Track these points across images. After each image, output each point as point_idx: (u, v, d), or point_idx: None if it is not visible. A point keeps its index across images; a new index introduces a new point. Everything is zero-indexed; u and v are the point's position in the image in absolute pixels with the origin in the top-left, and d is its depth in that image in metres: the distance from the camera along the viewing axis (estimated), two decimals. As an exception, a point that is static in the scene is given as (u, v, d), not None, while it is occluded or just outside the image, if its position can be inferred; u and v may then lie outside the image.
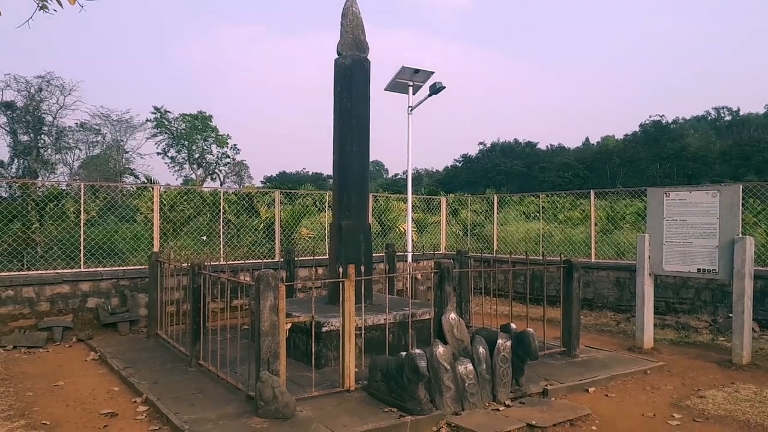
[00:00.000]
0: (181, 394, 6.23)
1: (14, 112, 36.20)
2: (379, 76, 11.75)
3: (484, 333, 6.52)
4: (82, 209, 10.19)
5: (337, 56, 8.46)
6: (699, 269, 8.05)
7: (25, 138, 36.83)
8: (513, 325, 6.59)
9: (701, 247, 8.00)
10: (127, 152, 45.83)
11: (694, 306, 10.51)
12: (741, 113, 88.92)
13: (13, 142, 36.42)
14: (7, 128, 36.28)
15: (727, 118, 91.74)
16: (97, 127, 42.97)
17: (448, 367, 5.74)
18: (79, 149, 41.32)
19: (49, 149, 38.91)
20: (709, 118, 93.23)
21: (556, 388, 6.46)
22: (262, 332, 5.61)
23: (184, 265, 7.92)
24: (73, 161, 41.50)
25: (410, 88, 11.95)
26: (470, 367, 5.91)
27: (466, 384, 5.81)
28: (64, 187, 18.96)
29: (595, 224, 13.04)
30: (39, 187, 17.97)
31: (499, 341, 6.15)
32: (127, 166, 44.69)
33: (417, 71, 11.73)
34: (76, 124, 40.73)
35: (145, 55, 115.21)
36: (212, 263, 9.39)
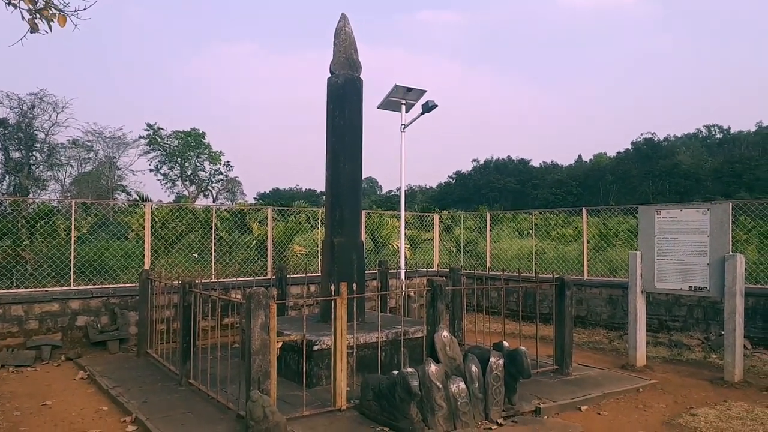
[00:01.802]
0: (171, 413, 6.16)
1: (6, 129, 36.11)
2: (372, 92, 11.82)
3: (476, 351, 6.50)
4: (72, 226, 10.13)
5: (330, 75, 8.51)
6: (690, 287, 8.07)
7: (17, 155, 36.70)
8: (506, 343, 6.57)
9: (692, 265, 8.03)
10: (119, 169, 45.74)
11: (687, 324, 10.52)
12: (732, 131, 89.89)
13: (4, 158, 36.28)
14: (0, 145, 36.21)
15: (718, 136, 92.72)
16: (89, 144, 42.91)
17: (441, 386, 5.70)
18: (71, 166, 41.21)
19: (41, 166, 38.77)
20: (701, 135, 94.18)
21: (549, 406, 6.42)
22: (252, 351, 5.57)
23: (175, 282, 7.87)
24: (64, 178, 41.37)
25: (403, 107, 12.01)
26: (462, 385, 5.87)
27: (459, 403, 5.78)
28: (55, 204, 18.90)
29: (588, 241, 13.08)
30: (30, 204, 17.90)
31: (492, 359, 6.13)
32: (119, 182, 44.54)
33: (410, 90, 11.79)
34: (69, 140, 40.66)
35: (138, 73, 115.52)
36: (203, 281, 9.36)
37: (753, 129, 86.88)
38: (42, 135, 37.73)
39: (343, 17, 8.72)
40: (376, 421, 5.79)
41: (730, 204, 7.93)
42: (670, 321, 10.74)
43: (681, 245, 8.18)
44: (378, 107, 12.04)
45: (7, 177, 36.64)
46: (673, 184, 74.01)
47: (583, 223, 12.89)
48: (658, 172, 77.92)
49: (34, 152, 37.85)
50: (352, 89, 8.41)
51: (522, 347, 6.32)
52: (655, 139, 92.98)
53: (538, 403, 6.44)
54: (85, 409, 6.53)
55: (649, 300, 8.82)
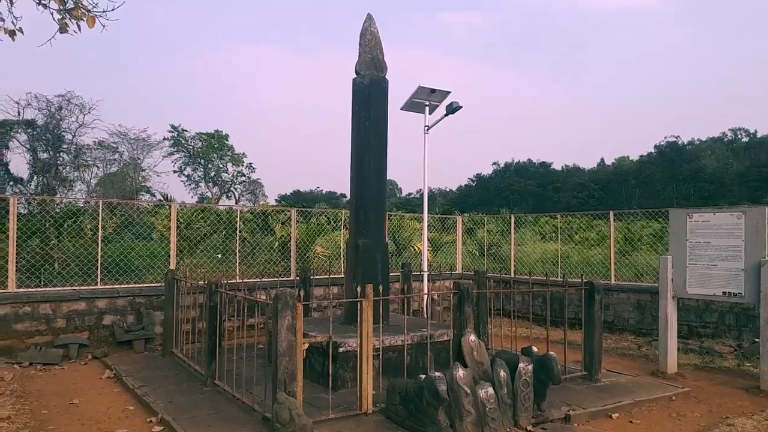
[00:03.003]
0: (196, 414, 6.15)
1: (34, 131, 36.74)
2: (394, 94, 11.74)
3: (504, 356, 6.39)
4: (100, 226, 10.23)
5: (355, 75, 8.47)
6: (724, 292, 7.86)
7: (45, 156, 37.29)
8: (534, 348, 6.46)
9: (726, 270, 7.82)
10: (143, 170, 46.22)
11: (718, 330, 10.26)
12: (758, 135, 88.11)
13: (32, 159, 36.89)
14: (28, 146, 36.79)
15: (744, 139, 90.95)
16: (114, 146, 43.45)
17: (469, 391, 5.61)
18: (97, 167, 41.76)
19: (68, 167, 39.36)
20: (726, 139, 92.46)
21: (579, 413, 6.29)
22: (279, 352, 5.53)
23: (201, 283, 7.89)
24: (90, 179, 41.95)
25: (426, 108, 11.91)
26: (491, 391, 5.77)
27: (487, 408, 5.67)
28: (81, 204, 19.15)
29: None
30: (57, 204, 18.17)
31: (521, 365, 6.02)
32: (143, 183, 45.00)
33: (433, 91, 11.70)
34: (94, 142, 41.23)
35: (162, 75, 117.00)
36: (228, 281, 9.37)
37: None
38: (69, 136, 38.31)
39: (369, 18, 8.68)
40: (403, 425, 5.71)
41: (766, 208, 7.70)
42: (701, 327, 10.49)
43: (714, 250, 7.97)
44: (401, 109, 11.97)
45: (35, 177, 37.26)
46: (697, 189, 72.74)
47: (609, 227, 12.66)
48: (682, 177, 76.67)
49: (61, 153, 38.45)
50: (377, 90, 8.35)
51: (552, 353, 6.20)
52: (679, 143, 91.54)
53: (568, 410, 6.31)
54: (111, 409, 6.55)
55: (679, 306, 8.62)
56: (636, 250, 15.75)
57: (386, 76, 8.54)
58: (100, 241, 10.18)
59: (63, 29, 5.85)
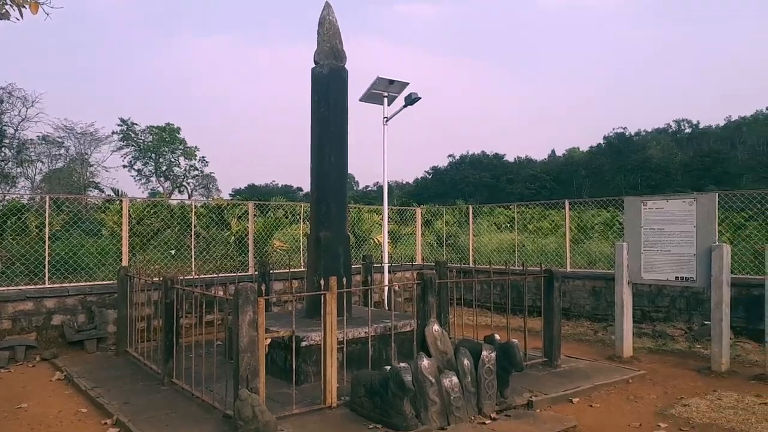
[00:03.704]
0: (154, 414, 5.95)
1: (-27, 125, 34.99)
2: (350, 86, 11.58)
3: (467, 344, 6.40)
4: (47, 223, 9.78)
5: (314, 65, 8.33)
6: (677, 277, 8.10)
7: (-15, 151, 35.60)
8: (497, 336, 6.50)
9: (679, 256, 8.06)
10: (91, 165, 44.62)
11: (670, 314, 10.60)
12: (701, 126, 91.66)
13: (-29, 155, 35.17)
14: (-35, 141, 35.04)
15: (687, 130, 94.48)
16: (60, 140, 41.79)
17: (433, 381, 5.60)
18: (42, 162, 40.08)
19: (10, 162, 37.64)
20: (670, 130, 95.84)
21: (541, 399, 6.37)
22: (240, 348, 5.39)
23: (156, 279, 7.63)
24: (34, 175, 40.23)
25: (385, 99, 11.85)
26: (455, 379, 5.77)
27: (452, 397, 5.67)
28: (26, 201, 18.33)
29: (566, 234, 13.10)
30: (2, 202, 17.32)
31: (484, 353, 6.04)
32: (91, 179, 43.49)
33: (392, 82, 11.64)
34: (39, 137, 39.53)
35: (110, 67, 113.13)
36: (184, 277, 9.11)
37: (722, 123, 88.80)
38: (11, 130, 36.62)
39: (327, 6, 8.53)
40: (369, 417, 5.66)
41: (716, 195, 7.97)
42: (654, 312, 10.81)
43: (667, 236, 8.20)
44: (360, 100, 11.86)
45: (-25, 174, 35.49)
46: (644, 178, 75.23)
47: (561, 217, 12.94)
48: (630, 167, 79.15)
49: (3, 148, 36.73)
50: (337, 79, 8.23)
51: (514, 340, 6.25)
52: (627, 134, 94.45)
53: (530, 396, 6.38)
54: (63, 412, 6.28)
55: (633, 291, 8.85)
56: (588, 238, 16.13)
57: (345, 66, 8.42)
58: (47, 239, 9.74)
59: (4, 16, 5.54)
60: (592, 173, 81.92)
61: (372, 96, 11.82)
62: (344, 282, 6.60)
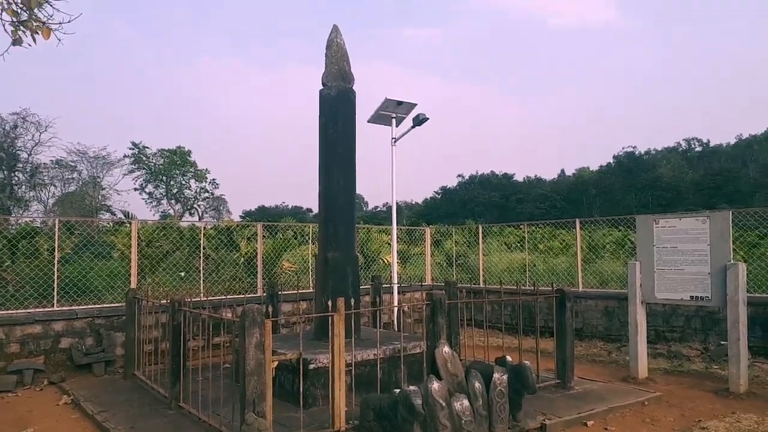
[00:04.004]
0: (160, 439, 5.87)
1: (-13, 149, 35.50)
2: (358, 108, 11.62)
3: (478, 367, 6.29)
4: (56, 246, 9.81)
5: (322, 87, 8.36)
6: (692, 296, 7.95)
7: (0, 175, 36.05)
8: (509, 358, 6.38)
9: (693, 274, 7.92)
10: (103, 189, 45.10)
11: (685, 334, 10.40)
12: (711, 144, 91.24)
13: (-15, 179, 35.62)
14: (-20, 166, 35.52)
15: (698, 149, 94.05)
16: (73, 164, 42.32)
17: (444, 404, 5.48)
18: (54, 186, 40.51)
19: (24, 186, 38.10)
20: (680, 149, 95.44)
21: (555, 422, 6.23)
22: (247, 371, 5.31)
23: (164, 301, 7.58)
24: (48, 198, 40.67)
25: (393, 120, 11.86)
26: (466, 403, 5.66)
27: (463, 421, 5.55)
28: (38, 224, 18.42)
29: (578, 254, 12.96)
30: (12, 225, 17.44)
31: (495, 375, 5.93)
32: (103, 202, 43.85)
33: (400, 103, 11.66)
34: (52, 161, 40.06)
35: (122, 91, 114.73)
36: (192, 299, 9.06)
37: (732, 142, 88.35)
38: (25, 155, 37.12)
39: (335, 29, 8.59)
40: (378, 442, 5.55)
41: (730, 213, 7.85)
42: (668, 331, 10.61)
43: (680, 254, 8.07)
44: (368, 121, 11.89)
45: (-12, 198, 35.89)
46: (655, 197, 74.76)
47: (572, 236, 12.81)
48: (640, 185, 78.74)
49: (16, 172, 37.20)
50: (345, 101, 8.25)
51: (526, 362, 6.13)
52: (636, 153, 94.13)
53: (544, 420, 6.24)
54: (69, 437, 6.21)
55: (646, 310, 8.69)
56: (599, 257, 15.96)
57: (353, 88, 8.45)
58: (56, 262, 9.75)
59: (17, 42, 5.62)
60: (603, 192, 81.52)
61: (380, 117, 11.84)
62: (352, 303, 6.50)
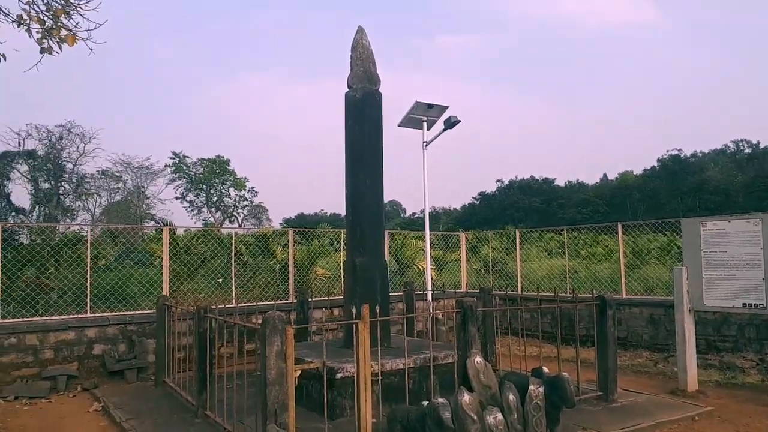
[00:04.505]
0: (184, 449, 5.73)
1: (35, 161, 36.77)
2: (393, 114, 11.36)
3: (513, 378, 5.96)
4: (88, 253, 9.90)
5: (347, 89, 8.18)
6: (744, 304, 7.41)
7: (46, 185, 37.29)
8: (545, 369, 6.03)
9: (745, 280, 7.39)
10: (147, 198, 46.20)
11: (738, 344, 9.77)
12: (761, 146, 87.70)
13: (34, 189, 36.86)
14: (29, 176, 36.80)
15: (747, 150, 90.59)
16: (118, 174, 43.50)
17: (476, 418, 5.18)
18: (100, 195, 41.69)
19: (70, 196, 39.31)
20: (729, 151, 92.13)
21: (596, 438, 5.84)
22: (268, 381, 5.12)
23: (191, 308, 7.50)
24: (94, 208, 41.90)
25: (424, 123, 11.63)
26: (500, 416, 5.34)
27: (496, 436, 5.23)
28: (78, 229, 18.84)
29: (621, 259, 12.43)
30: (59, 233, 17.87)
31: (531, 387, 5.58)
32: (147, 211, 44.95)
33: (431, 106, 11.42)
34: (98, 171, 41.28)
35: (162, 102, 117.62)
36: (224, 306, 8.98)
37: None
38: (70, 165, 38.31)
39: (360, 30, 8.42)
40: (406, 457, 5.28)
41: (786, 213, 7.31)
42: (720, 341, 10.00)
43: (731, 259, 7.55)
44: (399, 125, 11.68)
45: (37, 207, 37.16)
46: (702, 201, 72.24)
47: (615, 242, 12.27)
48: (686, 189, 76.28)
49: (62, 183, 38.41)
50: (371, 103, 8.05)
51: (564, 373, 5.77)
52: (682, 156, 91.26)
53: (584, 435, 5.86)
54: (95, 445, 6.14)
55: (695, 319, 8.17)
56: (645, 263, 15.33)
57: (379, 89, 8.24)
58: (89, 269, 9.83)
59: (44, 50, 5.64)
60: (647, 197, 79.26)
61: (411, 121, 11.61)
62: (379, 310, 6.25)
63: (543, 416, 5.58)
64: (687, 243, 8.16)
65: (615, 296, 11.34)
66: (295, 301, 10.21)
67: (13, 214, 36.17)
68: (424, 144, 11.57)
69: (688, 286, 7.97)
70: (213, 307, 7.12)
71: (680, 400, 7.38)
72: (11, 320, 8.93)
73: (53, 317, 9.31)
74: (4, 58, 5.42)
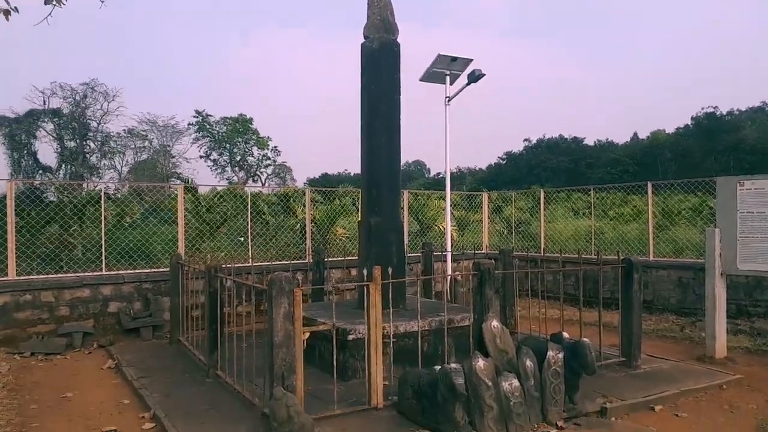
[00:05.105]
0: (192, 409, 5.66)
1: (61, 119, 37.03)
2: (414, 71, 10.87)
3: (531, 343, 5.72)
4: (102, 209, 9.83)
5: (363, 40, 7.77)
6: (781, 268, 6.99)
7: (72, 144, 37.61)
8: (565, 334, 5.77)
9: (784, 243, 6.95)
10: (173, 157, 46.41)
11: (771, 309, 9.35)
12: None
13: (60, 148, 37.25)
14: (55, 135, 37.13)
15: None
16: (144, 133, 43.68)
17: (490, 384, 4.96)
18: (123, 154, 41.96)
19: (95, 154, 39.66)
20: (767, 109, 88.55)
21: (617, 406, 5.58)
22: (275, 343, 4.96)
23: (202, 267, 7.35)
24: (121, 167, 42.30)
25: (447, 78, 11.15)
26: (516, 383, 5.12)
27: (512, 403, 5.03)
28: (111, 192, 18.91)
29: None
30: (84, 191, 17.96)
31: (550, 353, 5.34)
32: (173, 170, 45.21)
33: (454, 59, 10.92)
34: (124, 130, 41.47)
35: (185, 60, 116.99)
36: (240, 264, 8.85)
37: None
38: (95, 124, 38.51)
39: (378, -24, 7.93)
40: (417, 422, 5.11)
41: (832, 171, 6.79)
42: (751, 306, 9.59)
43: (769, 221, 7.10)
44: (420, 79, 11.23)
45: (63, 166, 37.62)
46: (738, 161, 69.88)
47: (648, 200, 11.75)
48: (720, 148, 73.79)
49: (87, 141, 38.70)
50: (388, 54, 7.63)
51: (585, 339, 5.50)
52: (717, 114, 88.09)
53: (604, 402, 5.61)
54: (105, 403, 6.11)
55: (727, 283, 7.78)
56: (674, 224, 14.82)
57: (398, 39, 7.81)
58: (103, 227, 9.78)
59: (49, 1, 5.49)
60: (679, 156, 77.00)
61: (433, 75, 11.15)
62: (391, 272, 6.00)
63: (561, 383, 5.35)
64: (721, 203, 7.71)
65: (642, 258, 10.95)
66: (311, 261, 10.05)
67: (41, 172, 36.71)
68: (447, 99, 11.13)
69: (720, 249, 7.56)
70: (223, 266, 6.95)
71: (707, 367, 7.06)
72: (26, 277, 8.95)
73: (68, 274, 9.32)
74: (17, 11, 5.27)
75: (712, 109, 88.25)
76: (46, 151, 38.20)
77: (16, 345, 8.28)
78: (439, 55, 10.78)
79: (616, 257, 7.26)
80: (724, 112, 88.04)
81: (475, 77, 10.87)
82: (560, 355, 5.38)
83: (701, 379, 6.47)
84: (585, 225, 15.89)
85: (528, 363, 5.29)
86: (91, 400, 6.18)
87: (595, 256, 8.25)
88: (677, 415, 5.52)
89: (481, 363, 5.02)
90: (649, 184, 11.83)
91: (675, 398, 5.93)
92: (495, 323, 5.61)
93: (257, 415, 5.33)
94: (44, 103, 36.39)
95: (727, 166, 69.77)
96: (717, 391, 6.22)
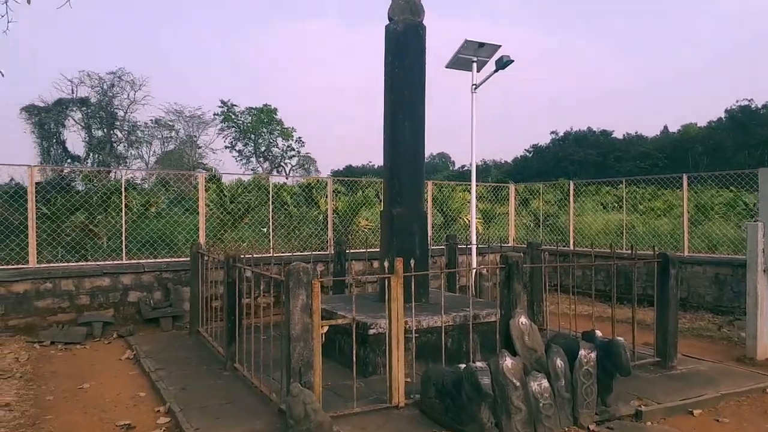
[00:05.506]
0: (209, 403, 5.49)
1: (88, 108, 37.42)
2: (441, 58, 10.54)
3: (561, 341, 5.41)
4: (123, 198, 9.77)
5: (388, 22, 7.49)
6: (831, 265, 6.57)
7: (99, 133, 38.02)
8: (598, 332, 5.45)
9: (834, 238, 6.52)
10: (199, 147, 46.69)
11: (815, 309, 8.86)
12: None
13: (88, 137, 37.68)
14: (83, 123, 37.56)
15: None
16: (171, 123, 44.00)
17: (518, 384, 4.69)
18: (149, 144, 42.31)
19: (123, 144, 40.05)
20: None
21: (653, 409, 5.27)
22: (292, 337, 4.75)
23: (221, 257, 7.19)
24: (148, 156, 42.68)
25: (474, 65, 10.81)
26: (545, 383, 4.84)
27: (541, 404, 4.75)
28: (139, 181, 19.00)
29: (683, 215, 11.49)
30: (110, 180, 18.05)
31: (582, 352, 5.03)
32: (199, 161, 45.48)
33: (482, 45, 10.58)
34: (151, 120, 41.81)
35: (210, 50, 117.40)
36: (258, 255, 8.68)
37: None
38: (122, 113, 38.86)
39: (403, -44, 7.63)
40: (439, 423, 4.86)
41: None
42: (794, 305, 9.10)
43: (818, 214, 6.66)
44: (446, 66, 10.91)
45: (91, 155, 38.07)
46: (773, 155, 67.90)
47: (676, 196, 11.34)
48: (755, 142, 71.67)
49: (115, 130, 39.09)
50: (413, 36, 7.34)
51: (619, 338, 5.19)
52: (753, 107, 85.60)
53: (639, 405, 5.30)
54: (121, 395, 5.98)
55: None
56: (708, 219, 14.28)
57: (423, 22, 7.50)
58: (123, 215, 9.71)
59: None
60: (711, 150, 74.91)
61: (459, 61, 10.82)
62: (413, 264, 5.74)
63: (594, 384, 5.05)
64: (764, 195, 7.29)
65: (677, 254, 10.51)
66: (333, 252, 9.84)
67: (69, 161, 37.19)
68: (473, 87, 10.79)
69: (763, 244, 7.14)
70: (242, 256, 6.77)
71: (749, 369, 6.68)
72: (46, 265, 8.91)
73: (89, 263, 9.27)
74: None
75: (746, 102, 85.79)
76: (75, 140, 38.71)
77: (36, 334, 8.24)
78: (466, 41, 10.46)
79: (651, 252, 6.90)
80: (760, 105, 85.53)
81: (503, 64, 10.51)
82: (593, 355, 5.08)
83: (742, 382, 6.10)
84: (615, 219, 15.44)
85: (558, 362, 5.00)
86: (108, 392, 6.06)
87: (628, 251, 7.89)
88: (718, 420, 5.19)
89: (508, 362, 4.74)
90: (685, 177, 11.38)
91: (715, 402, 5.59)
92: (523, 319, 5.33)
93: (274, 411, 5.15)
94: (72, 92, 36.85)
95: (762, 160, 67.41)
96: (760, 395, 5.86)
